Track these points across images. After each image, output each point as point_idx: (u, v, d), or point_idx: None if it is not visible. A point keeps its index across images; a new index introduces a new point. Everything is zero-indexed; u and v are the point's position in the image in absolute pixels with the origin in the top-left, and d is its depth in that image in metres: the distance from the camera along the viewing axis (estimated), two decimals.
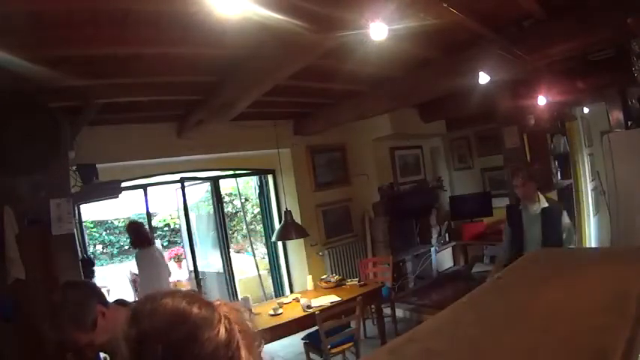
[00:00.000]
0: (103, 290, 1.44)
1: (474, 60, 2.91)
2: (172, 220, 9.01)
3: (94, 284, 1.45)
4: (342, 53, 2.56)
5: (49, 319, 1.29)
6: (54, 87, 2.49)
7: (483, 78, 2.93)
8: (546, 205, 2.98)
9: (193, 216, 5.43)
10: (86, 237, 4.62)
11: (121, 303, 1.47)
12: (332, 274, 4.55)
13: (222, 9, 1.64)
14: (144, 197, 4.35)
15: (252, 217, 7.54)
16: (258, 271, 5.55)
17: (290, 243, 5.03)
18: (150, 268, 3.62)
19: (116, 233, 9.39)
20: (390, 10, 1.80)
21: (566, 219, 2.99)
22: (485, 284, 1.17)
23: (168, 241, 9.35)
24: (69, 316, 1.28)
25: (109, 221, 9.25)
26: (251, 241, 6.64)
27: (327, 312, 3.20)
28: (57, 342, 1.32)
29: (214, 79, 2.91)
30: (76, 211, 3.43)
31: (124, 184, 3.50)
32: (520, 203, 3.10)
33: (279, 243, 5.12)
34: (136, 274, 3.43)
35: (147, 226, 4.23)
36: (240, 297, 4.61)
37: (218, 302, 0.78)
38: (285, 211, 3.94)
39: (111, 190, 3.27)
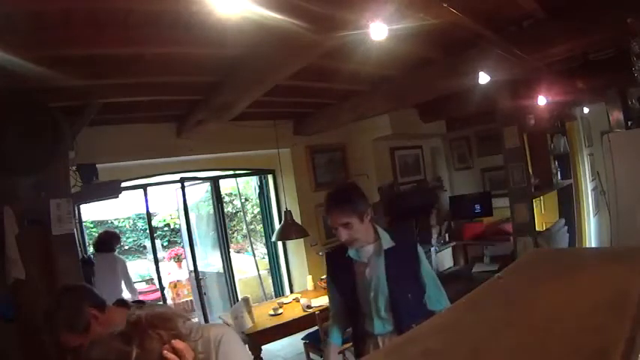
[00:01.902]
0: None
1: (474, 60, 2.91)
2: (172, 220, 9.01)
3: (90, 288, 1.48)
4: (342, 53, 2.56)
5: (44, 322, 1.31)
6: (54, 87, 2.49)
7: (483, 78, 2.93)
8: (391, 244, 1.82)
9: (193, 216, 5.43)
10: (86, 237, 4.62)
11: (121, 304, 1.48)
12: None
13: (223, 9, 1.64)
14: (144, 197, 4.35)
15: (252, 217, 7.54)
16: (258, 271, 5.56)
17: (290, 243, 5.03)
18: (104, 273, 3.64)
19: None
20: (390, 11, 1.80)
21: (425, 264, 1.89)
22: (485, 284, 1.17)
23: (168, 241, 9.34)
24: (61, 320, 1.31)
25: (109, 221, 9.25)
26: (251, 241, 6.64)
27: (327, 312, 3.20)
28: (52, 344, 1.34)
29: (214, 79, 2.91)
30: (76, 211, 3.43)
31: (124, 184, 3.50)
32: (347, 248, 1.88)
33: (279, 243, 5.12)
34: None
35: (119, 237, 4.61)
36: (240, 297, 4.61)
37: (135, 317, 0.96)
38: (285, 211, 3.94)
39: (111, 190, 3.27)
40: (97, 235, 4.35)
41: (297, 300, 3.68)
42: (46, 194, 2.68)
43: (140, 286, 6.55)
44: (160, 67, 2.55)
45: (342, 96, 4.02)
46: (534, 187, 4.56)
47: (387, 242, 1.82)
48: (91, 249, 4.36)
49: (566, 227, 5.24)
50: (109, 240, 4.19)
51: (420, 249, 1.89)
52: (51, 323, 1.32)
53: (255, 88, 2.85)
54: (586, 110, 5.41)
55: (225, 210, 6.24)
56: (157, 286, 5.69)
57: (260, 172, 5.24)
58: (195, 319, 5.57)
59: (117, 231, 4.33)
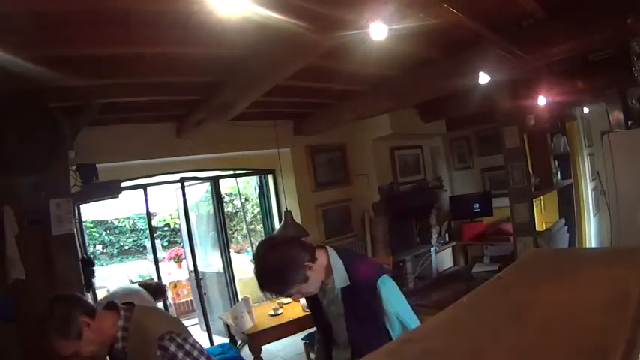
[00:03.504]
0: (103, 290, 1.48)
1: (474, 60, 2.91)
2: (172, 220, 9.01)
3: (80, 297, 1.51)
4: (342, 53, 2.56)
5: (38, 330, 1.34)
6: (54, 87, 2.49)
7: (483, 78, 2.93)
8: (346, 282, 1.63)
9: (193, 216, 5.43)
10: (86, 237, 4.62)
11: (110, 306, 1.49)
12: None
13: (223, 9, 1.64)
14: (144, 197, 4.35)
15: (252, 217, 7.54)
16: None
17: None
18: None
19: (116, 233, 9.39)
20: (390, 11, 1.80)
21: (391, 302, 1.64)
22: (485, 284, 1.17)
23: (168, 241, 9.35)
24: (54, 328, 1.35)
25: (109, 221, 9.25)
26: (251, 241, 6.64)
27: None
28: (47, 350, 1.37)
29: (214, 79, 2.91)
30: (76, 211, 3.43)
31: (124, 184, 3.50)
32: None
33: None
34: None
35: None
36: (240, 297, 4.61)
37: None
38: (285, 211, 3.94)
39: (111, 190, 3.27)
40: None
41: (297, 300, 3.68)
42: (46, 194, 2.68)
43: None
44: (160, 67, 2.55)
45: (342, 96, 4.02)
46: (534, 187, 4.56)
47: (341, 281, 1.63)
48: (91, 249, 4.34)
49: (566, 227, 5.25)
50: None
51: (383, 286, 1.63)
52: (44, 331, 1.35)
53: (255, 88, 2.85)
54: (586, 110, 5.42)
55: (225, 210, 6.24)
56: None
57: (260, 172, 5.24)
58: (196, 319, 5.58)
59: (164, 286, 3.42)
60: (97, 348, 1.39)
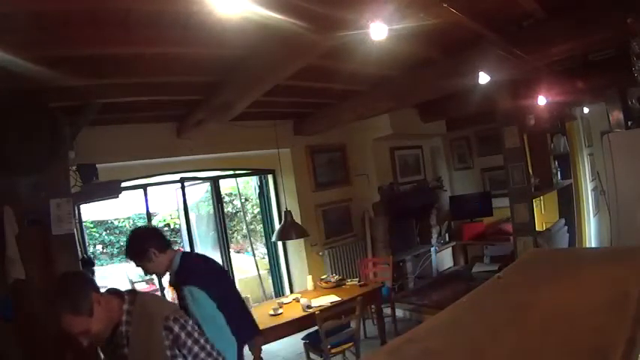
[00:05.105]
0: (103, 290, 1.48)
1: (474, 60, 2.91)
2: (172, 220, 9.00)
3: (88, 274, 1.51)
4: (342, 53, 2.56)
5: (49, 306, 1.32)
6: (54, 87, 2.49)
7: (483, 78, 2.93)
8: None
9: (193, 216, 5.43)
10: (86, 237, 4.62)
11: (113, 292, 1.50)
12: (332, 274, 4.55)
13: (223, 9, 1.64)
14: (144, 197, 4.35)
15: (252, 217, 7.53)
16: (258, 271, 5.55)
17: (290, 243, 5.03)
18: None
19: (116, 233, 9.38)
20: (390, 11, 1.80)
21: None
22: (485, 284, 1.17)
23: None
24: (67, 302, 1.32)
25: (109, 221, 9.24)
26: (251, 241, 6.64)
27: (327, 312, 3.20)
28: (57, 331, 1.35)
29: (214, 79, 2.91)
30: (76, 211, 3.43)
31: (124, 184, 3.50)
32: None
33: (279, 243, 5.12)
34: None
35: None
36: None
37: None
38: (285, 211, 3.93)
39: (111, 190, 3.27)
40: None
41: (297, 300, 3.68)
42: (46, 194, 2.68)
43: (140, 286, 6.55)
44: (160, 67, 2.55)
45: (342, 96, 4.02)
46: (534, 187, 4.56)
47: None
48: (91, 249, 4.34)
49: (566, 227, 5.25)
50: None
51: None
52: (56, 306, 1.32)
53: (255, 88, 2.85)
54: (586, 110, 5.42)
55: (225, 210, 6.24)
56: (157, 286, 5.68)
57: (260, 172, 5.23)
58: None
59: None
60: (103, 328, 1.37)
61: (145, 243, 2.10)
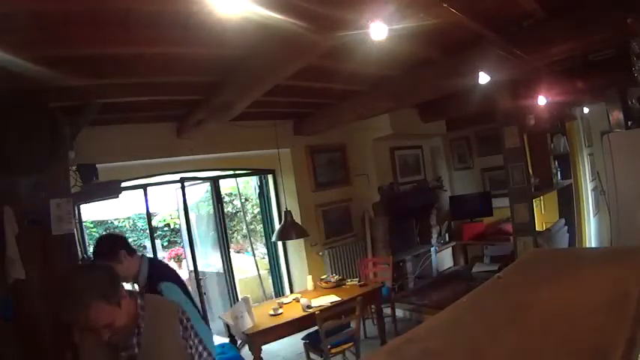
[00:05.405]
0: None
1: (474, 60, 2.91)
2: (172, 220, 8.99)
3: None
4: (342, 53, 2.56)
5: (72, 296, 1.28)
6: (54, 87, 2.49)
7: (483, 78, 2.93)
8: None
9: (193, 216, 5.42)
10: (86, 237, 4.61)
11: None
12: (332, 274, 4.55)
13: (223, 9, 1.64)
14: (144, 197, 4.35)
15: (252, 217, 7.53)
16: (258, 271, 5.56)
17: (290, 243, 5.03)
18: None
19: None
20: (390, 11, 1.80)
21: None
22: (485, 284, 1.17)
23: (168, 241, 9.33)
24: (103, 291, 1.30)
25: (109, 221, 9.24)
26: (251, 241, 6.64)
27: (327, 312, 3.20)
28: (62, 327, 1.35)
29: (214, 79, 2.91)
30: (76, 211, 3.43)
31: (124, 184, 3.50)
32: None
33: (279, 243, 5.12)
34: None
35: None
36: (240, 297, 4.61)
37: None
38: (285, 211, 3.93)
39: (111, 190, 3.27)
40: None
41: (297, 300, 3.68)
42: (46, 194, 2.67)
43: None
44: (160, 67, 2.55)
45: (342, 96, 4.02)
46: (534, 187, 4.56)
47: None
48: (91, 249, 4.35)
49: (566, 227, 5.25)
50: None
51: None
52: (88, 294, 1.27)
53: (255, 88, 2.85)
54: (586, 110, 5.42)
55: (225, 210, 6.23)
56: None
57: (260, 172, 5.23)
58: None
59: None
60: (124, 323, 1.36)
61: (114, 244, 2.08)
